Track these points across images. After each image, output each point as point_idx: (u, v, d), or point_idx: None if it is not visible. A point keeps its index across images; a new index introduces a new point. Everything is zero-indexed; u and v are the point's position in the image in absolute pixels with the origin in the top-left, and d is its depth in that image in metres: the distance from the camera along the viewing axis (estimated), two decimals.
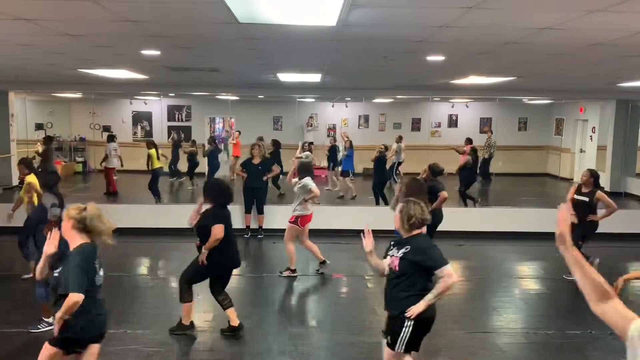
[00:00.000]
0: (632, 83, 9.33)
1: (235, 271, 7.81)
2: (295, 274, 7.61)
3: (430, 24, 4.37)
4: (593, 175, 7.48)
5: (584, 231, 7.37)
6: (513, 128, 18.47)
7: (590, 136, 16.45)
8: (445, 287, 3.78)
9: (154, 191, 12.07)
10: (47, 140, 13.11)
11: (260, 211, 10.04)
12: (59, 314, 3.48)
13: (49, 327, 5.52)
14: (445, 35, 4.78)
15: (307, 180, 7.42)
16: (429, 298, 3.81)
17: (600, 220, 7.52)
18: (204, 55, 6.64)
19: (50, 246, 3.68)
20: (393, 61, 6.73)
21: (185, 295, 5.61)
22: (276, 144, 13.54)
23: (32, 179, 7.18)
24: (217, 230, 5.30)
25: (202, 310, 6.25)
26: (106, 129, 17.39)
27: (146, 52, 6.22)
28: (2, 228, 8.59)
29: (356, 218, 9.48)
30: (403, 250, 3.89)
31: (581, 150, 17.04)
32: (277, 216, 10.13)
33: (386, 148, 12.81)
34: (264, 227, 10.08)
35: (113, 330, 5.68)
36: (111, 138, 14.03)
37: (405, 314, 3.79)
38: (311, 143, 15.35)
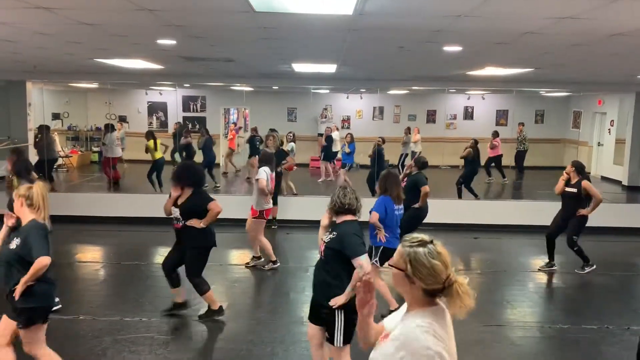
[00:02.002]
0: None
1: (248, 261, 7.88)
2: (277, 265, 7.67)
3: (448, 13, 4.31)
4: (574, 166, 7.55)
5: (575, 225, 7.52)
6: (530, 121, 18.23)
7: (609, 129, 16.21)
8: (357, 278, 3.71)
9: (151, 181, 12.17)
10: (40, 128, 13.03)
11: (275, 202, 10.05)
12: (24, 279, 3.73)
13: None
14: (463, 25, 4.72)
15: (260, 171, 7.43)
16: (347, 290, 3.78)
17: (589, 214, 7.55)
18: (219, 45, 6.63)
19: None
20: (409, 51, 6.67)
21: (203, 286, 5.69)
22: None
23: None
24: (217, 205, 5.56)
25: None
26: (122, 119, 17.52)
27: (162, 41, 6.22)
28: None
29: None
30: (330, 236, 3.89)
31: (599, 144, 16.81)
32: (291, 207, 10.16)
33: (383, 141, 12.73)
34: (277, 218, 10.10)
35: (128, 318, 5.76)
36: (112, 128, 14.07)
37: (330, 303, 3.78)
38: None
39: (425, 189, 7.25)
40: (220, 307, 5.82)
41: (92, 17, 4.87)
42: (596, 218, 9.04)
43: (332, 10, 4.30)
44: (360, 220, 4.07)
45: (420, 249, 2.06)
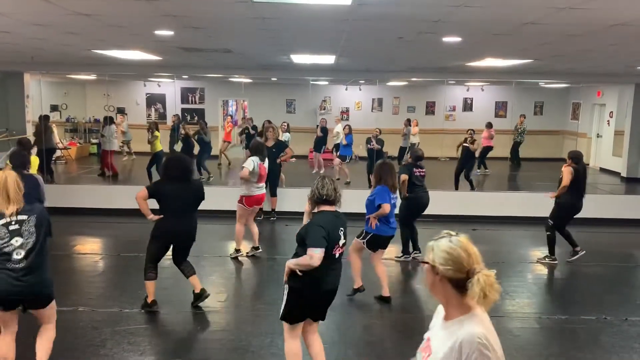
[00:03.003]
0: None
1: (249, 252, 7.89)
2: (239, 254, 7.72)
3: (447, 3, 4.28)
4: (570, 157, 7.64)
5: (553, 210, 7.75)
6: (529, 112, 18.20)
7: (608, 121, 16.19)
8: (303, 261, 3.83)
9: (150, 173, 12.20)
10: (40, 118, 13.00)
11: (274, 194, 10.05)
12: None
13: None
14: (462, 15, 4.69)
15: (248, 160, 7.43)
16: (292, 262, 3.93)
17: (552, 197, 7.75)
18: (217, 36, 6.60)
19: None
20: (408, 42, 6.64)
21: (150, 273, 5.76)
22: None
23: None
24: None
25: (215, 291, 6.29)
26: (120, 110, 17.47)
27: (160, 32, 6.19)
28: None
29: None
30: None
31: (598, 135, 16.80)
32: (290, 199, 10.15)
33: (380, 132, 12.72)
34: (276, 209, 10.10)
35: (127, 309, 5.76)
36: (111, 120, 14.05)
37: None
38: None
39: (404, 177, 7.31)
40: (154, 301, 5.77)
41: (89, 8, 4.84)
42: (595, 209, 9.07)
43: (331, 0, 4.27)
44: (341, 210, 4.13)
45: (443, 239, 2.10)
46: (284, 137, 12.47)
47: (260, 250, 7.82)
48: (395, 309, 6.10)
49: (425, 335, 2.23)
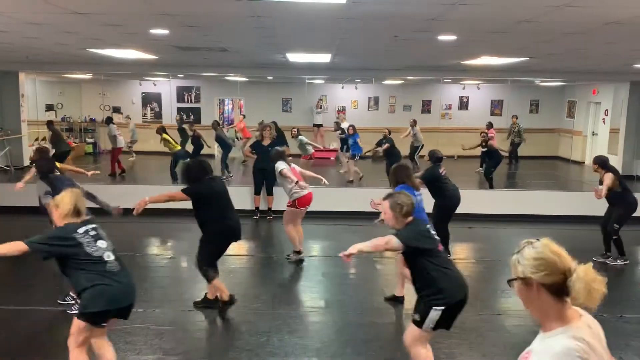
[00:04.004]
0: None
1: (245, 252, 7.88)
2: (300, 256, 7.55)
3: (443, 1, 4.28)
4: (596, 162, 7.58)
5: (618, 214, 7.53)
6: (524, 110, 18.25)
7: (603, 119, 16.24)
8: (380, 242, 3.81)
9: (173, 174, 12.21)
10: (49, 124, 13.12)
11: (270, 192, 10.04)
12: None
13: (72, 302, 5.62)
14: (458, 13, 4.70)
15: (277, 165, 7.38)
16: (362, 245, 3.82)
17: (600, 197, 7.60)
18: (213, 35, 6.59)
19: None
20: (404, 40, 6.64)
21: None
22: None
23: None
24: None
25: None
26: (116, 110, 17.43)
27: (155, 31, 6.18)
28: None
29: (365, 201, 9.46)
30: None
31: (593, 133, 16.85)
32: (286, 198, 10.12)
33: (389, 131, 12.76)
34: (273, 208, 10.08)
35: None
36: (110, 120, 14.10)
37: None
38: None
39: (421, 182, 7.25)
40: (231, 296, 5.73)
41: (84, 6, 4.82)
42: (591, 207, 9.08)
43: None
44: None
45: (525, 249, 1.97)
46: (300, 140, 12.97)
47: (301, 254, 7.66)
48: (395, 306, 6.11)
49: (527, 348, 2.10)
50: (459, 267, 7.69)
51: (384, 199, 4.07)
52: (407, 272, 5.95)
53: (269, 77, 15.28)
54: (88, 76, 15.01)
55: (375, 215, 5.92)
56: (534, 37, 6.11)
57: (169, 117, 17.06)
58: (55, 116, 17.83)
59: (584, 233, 8.10)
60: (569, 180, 15.22)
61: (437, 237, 4.03)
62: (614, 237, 7.64)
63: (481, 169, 14.88)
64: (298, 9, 4.70)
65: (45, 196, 5.87)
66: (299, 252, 7.50)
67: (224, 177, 12.76)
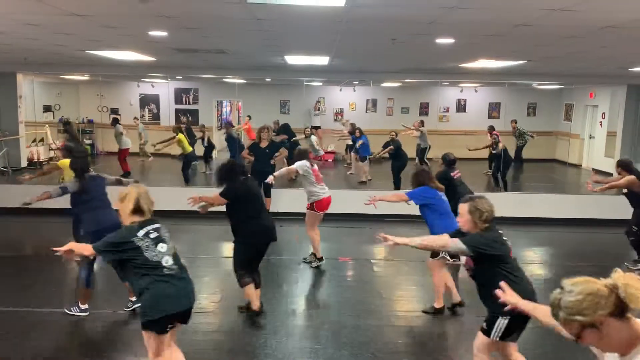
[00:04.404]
0: None
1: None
2: (322, 262, 7.49)
3: (441, 5, 4.30)
4: (619, 165, 7.57)
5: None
6: (522, 113, 18.26)
7: (600, 122, 16.29)
8: (435, 243, 3.85)
9: (186, 175, 12.21)
10: (66, 125, 13.09)
11: (268, 194, 10.04)
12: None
13: (81, 314, 5.59)
14: (456, 17, 4.72)
15: (296, 164, 7.27)
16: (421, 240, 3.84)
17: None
18: (211, 37, 6.60)
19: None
20: (402, 43, 6.66)
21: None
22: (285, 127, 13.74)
23: (63, 163, 7.07)
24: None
25: (209, 292, 6.29)
26: (114, 111, 17.41)
27: (153, 32, 6.19)
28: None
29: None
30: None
31: (590, 137, 16.89)
32: (284, 199, 10.16)
33: (396, 134, 12.81)
34: (271, 210, 10.08)
35: (120, 311, 5.75)
36: (117, 121, 14.11)
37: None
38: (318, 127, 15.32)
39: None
40: (261, 306, 5.69)
41: (82, 8, 4.83)
42: (588, 210, 9.13)
43: (324, 1, 4.28)
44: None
45: (564, 298, 1.88)
46: (310, 140, 13.10)
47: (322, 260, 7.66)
48: (389, 307, 6.12)
49: None
50: (456, 269, 7.73)
51: (464, 201, 3.93)
52: (450, 282, 5.89)
53: (267, 79, 15.29)
54: (86, 77, 14.99)
55: (373, 217, 5.95)
56: (531, 41, 6.14)
57: (167, 118, 17.06)
58: (53, 117, 17.83)
59: (580, 236, 8.13)
60: (566, 183, 15.25)
61: (509, 243, 3.88)
62: (631, 239, 7.61)
63: (490, 170, 14.92)
64: (297, 12, 4.72)
65: (55, 191, 5.57)
66: (320, 259, 7.48)
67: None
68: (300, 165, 7.18)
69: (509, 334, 3.77)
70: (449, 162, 7.54)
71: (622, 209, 9.43)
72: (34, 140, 15.27)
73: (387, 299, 6.30)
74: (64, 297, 6.07)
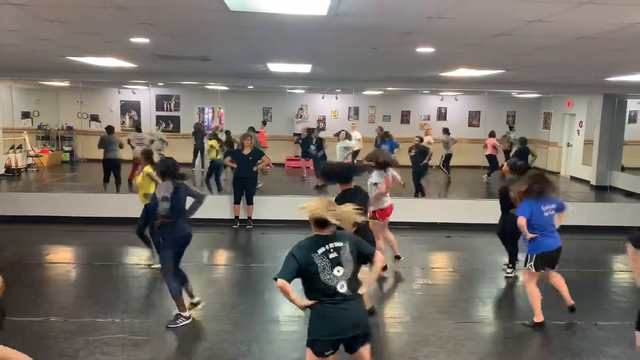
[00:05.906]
0: (619, 77, 9.41)
1: (224, 261, 7.85)
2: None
3: (421, 15, 4.37)
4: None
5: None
6: (501, 122, 18.52)
7: (578, 130, 16.59)
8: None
9: (209, 184, 12.18)
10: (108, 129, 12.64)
11: (250, 202, 10.03)
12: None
13: (187, 322, 5.55)
14: (435, 27, 4.79)
15: (374, 175, 7.22)
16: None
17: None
18: (194, 44, 6.60)
19: None
20: (383, 52, 6.73)
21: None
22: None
23: (149, 169, 7.03)
24: None
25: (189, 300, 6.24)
26: (94, 118, 17.26)
27: (135, 39, 6.16)
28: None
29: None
30: None
31: (568, 145, 17.19)
32: (266, 207, 10.14)
33: (421, 139, 12.92)
34: (252, 217, 10.07)
35: (100, 319, 5.69)
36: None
37: None
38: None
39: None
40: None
41: (62, 15, 4.80)
42: (574, 216, 9.20)
43: (307, 10, 4.33)
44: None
45: None
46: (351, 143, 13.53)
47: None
48: (387, 309, 6.14)
49: None
50: (438, 275, 7.79)
51: (628, 240, 4.22)
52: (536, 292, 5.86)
53: (249, 86, 15.28)
54: (66, 84, 14.84)
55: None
56: (509, 51, 6.25)
57: (148, 125, 16.93)
58: (32, 124, 17.60)
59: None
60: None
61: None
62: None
63: (489, 177, 15.06)
64: (280, 21, 4.75)
65: (163, 202, 5.38)
66: (397, 257, 7.89)
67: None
68: (376, 175, 7.17)
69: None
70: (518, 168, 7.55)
71: (597, 215, 9.61)
72: (12, 147, 15.05)
73: (385, 307, 6.31)
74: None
